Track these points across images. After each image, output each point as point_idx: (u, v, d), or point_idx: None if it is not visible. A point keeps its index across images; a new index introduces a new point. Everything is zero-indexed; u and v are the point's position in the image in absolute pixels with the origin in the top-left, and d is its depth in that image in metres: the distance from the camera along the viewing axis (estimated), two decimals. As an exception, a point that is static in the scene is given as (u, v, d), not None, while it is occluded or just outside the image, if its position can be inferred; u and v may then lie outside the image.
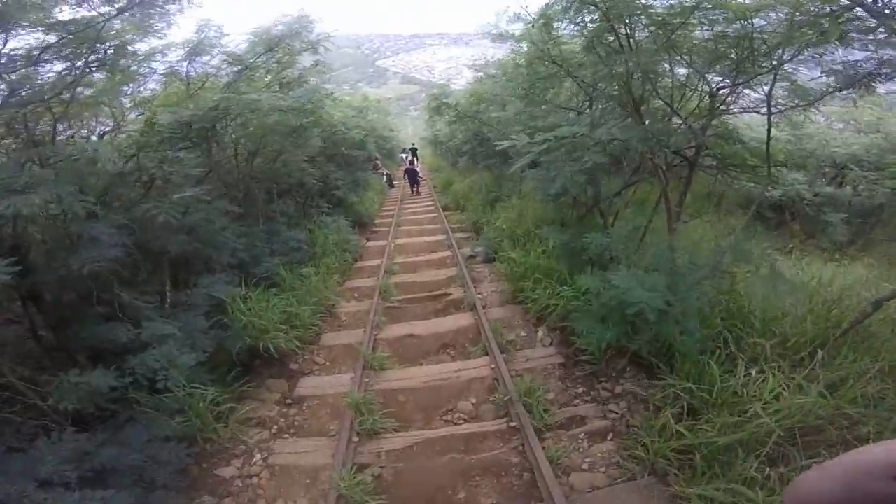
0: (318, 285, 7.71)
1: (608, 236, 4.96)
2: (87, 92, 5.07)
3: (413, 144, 33.25)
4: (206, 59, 6.72)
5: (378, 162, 22.62)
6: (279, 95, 6.08)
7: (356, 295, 8.58)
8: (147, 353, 3.91)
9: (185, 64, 6.64)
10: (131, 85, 6.23)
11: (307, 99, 6.20)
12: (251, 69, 6.34)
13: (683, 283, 3.82)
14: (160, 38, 6.20)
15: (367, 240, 12.43)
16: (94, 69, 5.08)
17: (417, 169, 20.80)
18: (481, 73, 9.75)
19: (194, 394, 4.24)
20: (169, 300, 4.77)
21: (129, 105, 6.41)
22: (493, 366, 5.58)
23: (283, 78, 7.10)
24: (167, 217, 3.99)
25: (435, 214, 14.33)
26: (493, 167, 11.74)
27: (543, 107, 6.58)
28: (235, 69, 6.23)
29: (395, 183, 23.26)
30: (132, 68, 6.21)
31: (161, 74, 6.57)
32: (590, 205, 5.93)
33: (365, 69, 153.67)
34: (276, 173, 8.87)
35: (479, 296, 7.65)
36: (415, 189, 20.07)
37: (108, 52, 5.10)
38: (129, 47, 5.73)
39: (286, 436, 4.88)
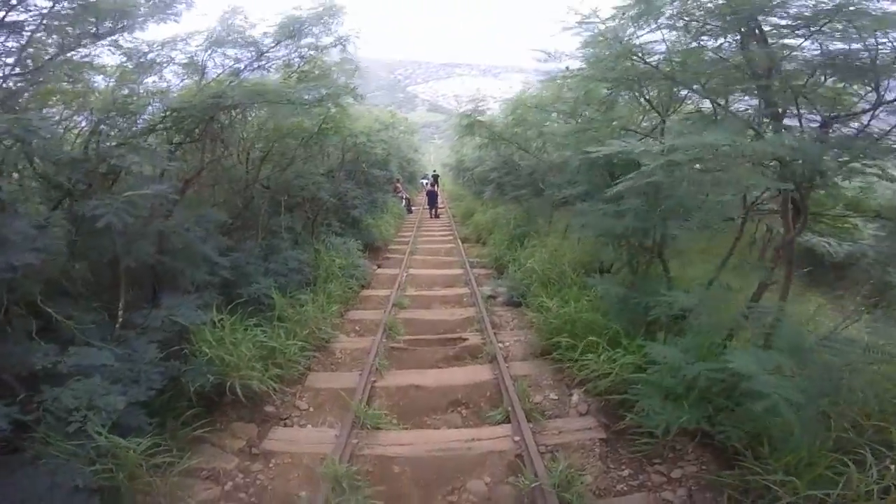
0: (315, 314, 6.75)
1: (690, 295, 3.91)
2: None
3: (435, 171, 33.00)
4: (231, 51, 5.96)
5: (399, 185, 21.89)
6: (289, 85, 5.21)
7: (357, 328, 7.61)
8: (65, 388, 2.96)
9: (203, 54, 5.88)
10: (153, 77, 5.51)
11: (325, 93, 5.28)
12: (268, 58, 5.50)
13: (824, 371, 2.78)
14: (176, 21, 5.52)
15: (379, 266, 11.49)
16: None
17: (437, 192, 21.63)
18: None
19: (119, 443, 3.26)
20: (120, 321, 3.80)
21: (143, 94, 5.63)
22: (516, 437, 4.54)
23: (306, 73, 6.23)
24: (115, 219, 3.05)
25: (453, 245, 13.38)
26: (523, 199, 10.80)
27: (615, 123, 5.62)
28: (250, 53, 5.38)
29: (413, 208, 22.45)
30: (149, 55, 5.51)
31: (180, 65, 5.83)
32: (655, 251, 4.90)
33: (395, 94, 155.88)
34: (287, 184, 8.02)
35: (501, 345, 6.63)
36: (433, 212, 20.58)
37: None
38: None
39: (241, 496, 3.88)
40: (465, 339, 6.99)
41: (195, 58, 5.87)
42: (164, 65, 5.92)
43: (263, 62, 5.58)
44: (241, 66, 5.41)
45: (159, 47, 5.68)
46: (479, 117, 9.40)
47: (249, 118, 5.63)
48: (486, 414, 5.14)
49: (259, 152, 6.46)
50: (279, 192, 7.94)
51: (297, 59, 5.97)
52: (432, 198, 20.98)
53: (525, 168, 10.52)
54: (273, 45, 5.49)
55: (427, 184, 30.14)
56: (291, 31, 5.45)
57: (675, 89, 4.86)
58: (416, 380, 5.79)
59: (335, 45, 6.11)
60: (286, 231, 7.92)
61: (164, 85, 5.84)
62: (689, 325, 4.26)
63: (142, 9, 5.32)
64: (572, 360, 5.41)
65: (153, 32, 5.59)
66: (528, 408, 4.95)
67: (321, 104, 5.79)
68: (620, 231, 4.44)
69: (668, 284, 4.68)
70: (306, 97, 5.31)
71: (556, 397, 5.37)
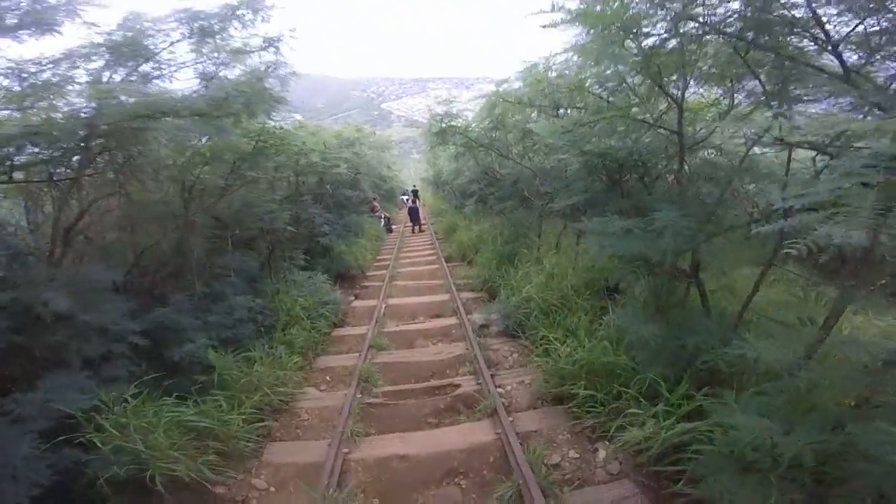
0: (269, 372, 5.58)
1: (741, 337, 2.78)
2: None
3: (414, 186, 32.24)
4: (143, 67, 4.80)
5: (376, 204, 20.74)
6: (210, 100, 4.04)
7: (328, 379, 6.46)
8: None
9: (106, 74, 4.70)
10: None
11: (241, 102, 4.12)
12: (168, 66, 4.34)
13: None
14: (58, 33, 4.41)
15: (356, 296, 10.29)
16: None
17: (419, 207, 21.69)
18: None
19: None
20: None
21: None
22: (531, 523, 3.38)
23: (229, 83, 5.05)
24: None
25: (436, 266, 12.19)
26: (507, 211, 9.68)
27: (634, 109, 4.51)
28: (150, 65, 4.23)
29: (393, 227, 21.27)
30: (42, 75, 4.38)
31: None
32: (690, 275, 3.79)
33: (370, 112, 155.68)
34: (235, 216, 6.83)
35: (501, 390, 5.52)
36: (416, 228, 20.55)
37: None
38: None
39: None
40: (457, 386, 5.84)
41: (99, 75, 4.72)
42: (63, 85, 4.76)
43: (165, 71, 4.42)
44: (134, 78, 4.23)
45: (51, 65, 4.54)
46: (451, 122, 8.27)
47: (164, 142, 4.45)
48: (491, 488, 4.01)
49: (176, 176, 5.24)
50: (225, 226, 6.74)
51: (211, 67, 4.79)
52: (414, 214, 20.87)
53: (507, 177, 9.44)
54: (167, 46, 4.34)
55: (407, 200, 29.34)
56: (193, 30, 4.31)
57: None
58: (400, 447, 4.65)
59: (265, 48, 4.97)
60: (236, 273, 6.69)
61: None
62: (753, 372, 3.15)
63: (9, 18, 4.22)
64: (591, 412, 4.31)
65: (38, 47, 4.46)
66: (543, 476, 3.87)
67: (248, 116, 4.62)
68: (656, 254, 3.29)
69: (711, 316, 3.57)
70: (229, 109, 4.12)
71: (578, 455, 4.27)
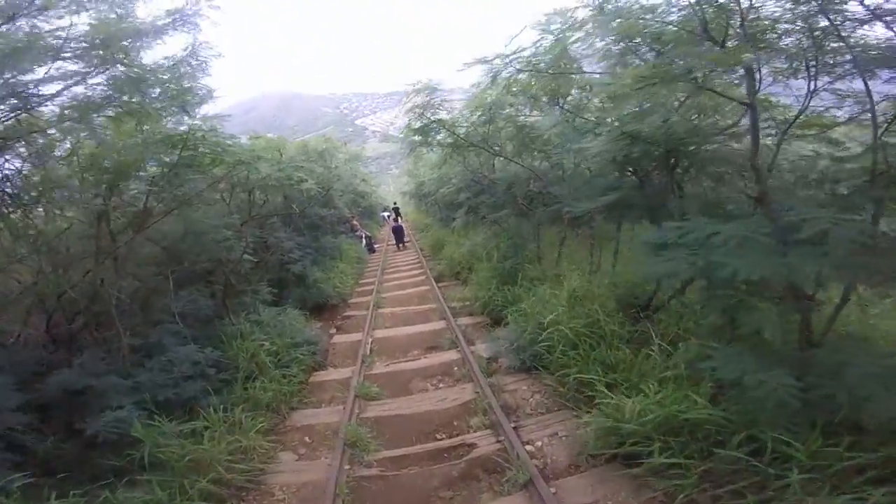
0: (223, 444, 4.31)
1: None
2: None
3: (395, 203, 31.14)
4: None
5: (355, 222, 19.43)
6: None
7: (308, 440, 5.22)
8: None
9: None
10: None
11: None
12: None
13: None
14: None
15: (337, 329, 9.00)
16: None
17: (402, 225, 21.26)
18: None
19: None
20: None
21: None
22: None
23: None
24: None
25: (426, 288, 10.90)
26: (503, 222, 8.43)
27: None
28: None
29: (376, 246, 19.93)
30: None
31: None
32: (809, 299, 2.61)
33: (344, 128, 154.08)
34: (178, 247, 5.52)
35: (530, 447, 4.33)
36: (400, 246, 19.84)
37: None
38: None
39: None
40: (471, 446, 4.60)
41: None
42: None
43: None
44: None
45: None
46: (433, 116, 6.88)
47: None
48: None
49: (98, 206, 3.93)
50: (167, 260, 5.42)
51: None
52: (399, 234, 20.28)
53: (500, 181, 8.21)
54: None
55: (389, 217, 28.13)
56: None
57: None
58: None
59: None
60: (183, 316, 5.37)
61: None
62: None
63: None
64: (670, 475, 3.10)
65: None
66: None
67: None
68: (800, 274, 2.08)
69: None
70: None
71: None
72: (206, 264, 6.25)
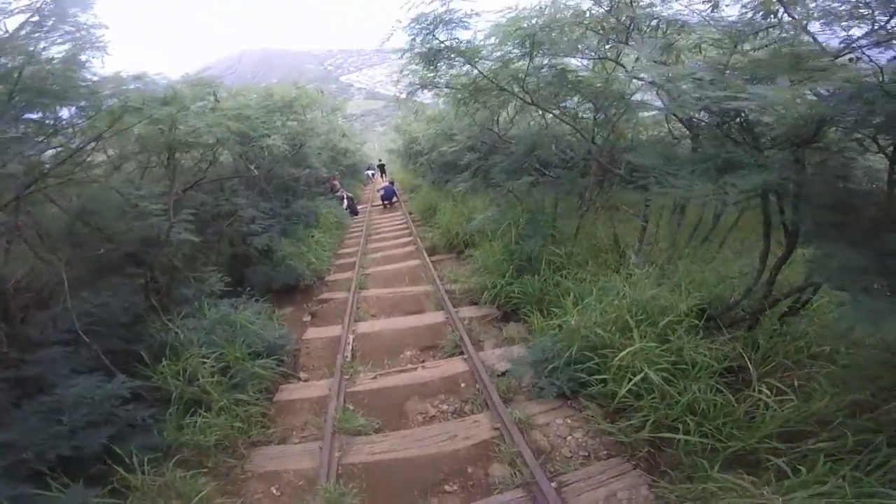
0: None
1: None
2: None
3: (381, 160, 29.24)
4: None
5: (336, 182, 17.60)
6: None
7: (276, 493, 3.81)
8: None
9: None
10: None
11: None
12: None
13: None
14: None
15: (312, 317, 7.47)
16: None
17: (394, 189, 18.99)
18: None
19: None
20: None
21: None
22: None
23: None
24: None
25: (418, 262, 9.32)
26: (521, 191, 6.75)
27: None
28: None
29: (359, 208, 18.17)
30: None
31: None
32: None
33: (328, 85, 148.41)
34: (70, 231, 3.86)
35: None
36: (387, 204, 18.47)
37: None
38: None
39: None
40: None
41: None
42: None
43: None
44: None
45: None
46: (449, 37, 4.79)
47: None
48: None
49: None
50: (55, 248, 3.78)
51: None
52: (388, 193, 18.46)
53: (521, 140, 6.50)
54: None
55: (373, 175, 26.44)
56: None
57: None
58: None
59: None
60: (88, 328, 3.78)
61: None
62: None
63: None
64: None
65: None
66: None
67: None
68: None
69: None
70: None
71: None
72: (128, 248, 4.58)
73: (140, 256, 4.66)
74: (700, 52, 4.61)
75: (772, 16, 3.05)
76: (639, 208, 5.49)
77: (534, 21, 4.27)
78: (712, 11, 4.77)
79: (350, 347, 6.00)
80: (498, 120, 7.27)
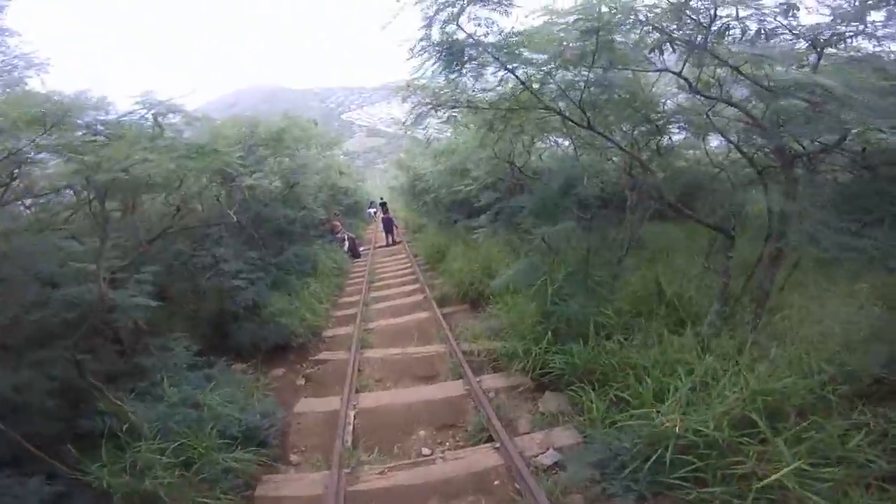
0: None
1: None
2: None
3: (382, 198, 29.23)
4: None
5: (336, 223, 16.71)
6: None
7: None
8: None
9: None
10: None
11: None
12: None
13: None
14: None
15: (306, 380, 6.52)
16: None
17: (392, 217, 20.14)
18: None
19: None
20: None
21: None
22: None
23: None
24: None
25: (427, 315, 8.30)
26: (559, 238, 5.55)
27: None
28: None
29: (361, 250, 17.19)
30: None
31: None
32: None
33: (331, 123, 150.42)
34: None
35: None
36: (390, 239, 19.07)
37: None
38: None
39: None
40: None
41: None
42: None
43: None
44: None
45: None
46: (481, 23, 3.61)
47: None
48: None
49: None
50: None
51: None
52: (388, 225, 19.43)
53: (555, 174, 5.49)
54: None
55: (375, 213, 26.60)
56: None
57: None
58: None
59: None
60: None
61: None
62: None
63: None
64: None
65: None
66: None
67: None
68: None
69: None
70: None
71: None
72: (65, 314, 3.62)
73: (75, 325, 3.69)
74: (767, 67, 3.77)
75: None
76: (716, 261, 4.56)
77: (603, 9, 3.30)
78: (787, 18, 3.99)
79: (351, 427, 4.96)
80: (514, 151, 6.38)
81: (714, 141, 4.83)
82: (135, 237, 4.69)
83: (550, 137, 6.34)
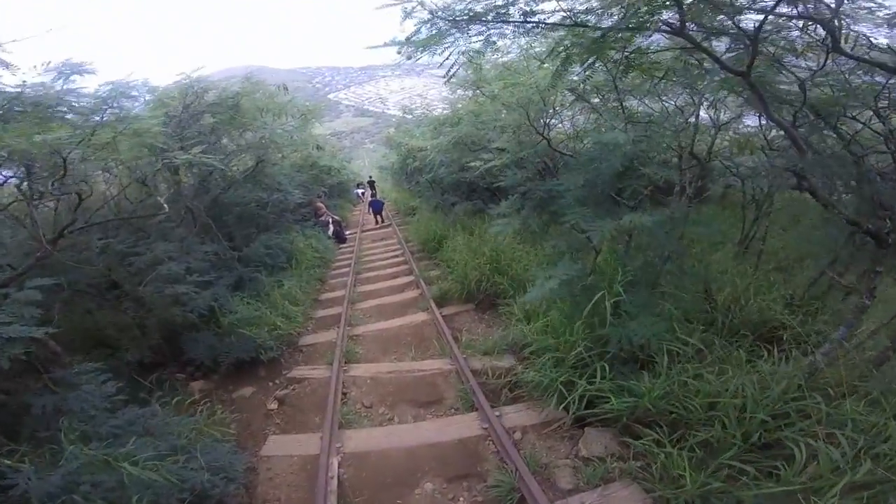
0: None
1: None
2: None
3: (370, 177, 28.42)
4: None
5: (320, 204, 15.37)
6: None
7: None
8: None
9: None
10: None
11: None
12: None
13: None
14: None
15: (279, 404, 5.33)
16: None
17: (381, 200, 19.97)
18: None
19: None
20: None
21: None
22: None
23: None
24: None
25: (425, 317, 7.07)
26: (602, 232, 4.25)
27: None
28: None
29: (347, 234, 15.84)
30: None
31: None
32: None
33: (317, 103, 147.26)
34: None
35: None
36: (378, 219, 18.83)
37: None
38: None
39: None
40: None
41: None
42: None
43: None
44: None
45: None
46: None
47: None
48: None
49: None
50: None
51: None
52: (377, 207, 19.00)
53: (608, 147, 4.14)
54: None
55: (363, 193, 26.24)
56: None
57: None
58: None
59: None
60: None
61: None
62: None
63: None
64: None
65: None
66: None
67: None
68: None
69: None
70: None
71: None
72: None
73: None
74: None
75: None
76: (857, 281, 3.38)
77: None
78: None
79: (335, 482, 3.76)
80: (546, 121, 5.06)
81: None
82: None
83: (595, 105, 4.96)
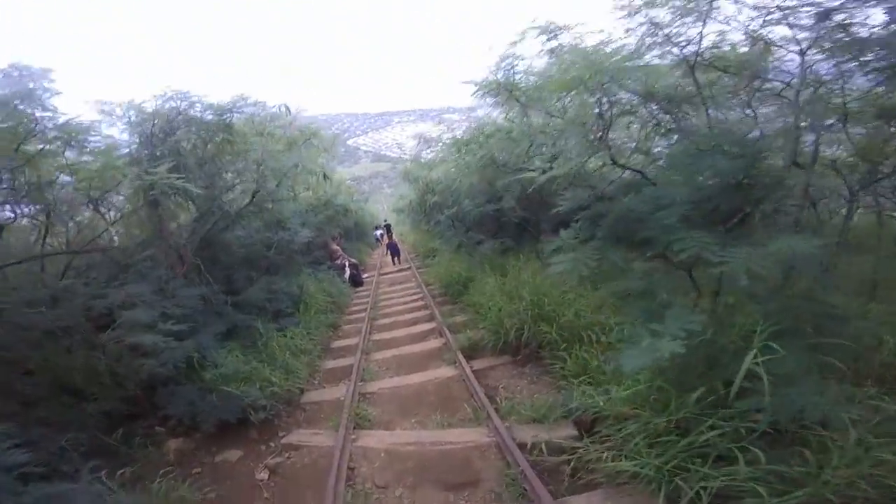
0: None
1: None
2: None
3: (386, 220, 30.05)
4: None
5: (335, 247, 14.58)
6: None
7: None
8: None
9: None
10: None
11: None
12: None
13: None
14: None
15: (270, 474, 4.30)
16: None
17: (396, 242, 21.04)
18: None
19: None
20: None
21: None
22: None
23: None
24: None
25: (451, 371, 6.00)
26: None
27: None
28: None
29: (364, 277, 14.95)
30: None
31: None
32: None
33: (336, 148, 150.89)
34: None
35: None
36: (396, 260, 19.29)
37: None
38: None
39: None
40: None
41: None
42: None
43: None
44: None
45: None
46: None
47: None
48: None
49: None
50: None
51: None
52: (394, 249, 19.66)
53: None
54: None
55: (382, 236, 26.94)
56: None
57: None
58: None
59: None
60: None
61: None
62: None
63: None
64: None
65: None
66: None
67: None
68: None
69: None
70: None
71: None
72: None
73: None
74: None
75: None
76: None
77: None
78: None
79: None
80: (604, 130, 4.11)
81: None
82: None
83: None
